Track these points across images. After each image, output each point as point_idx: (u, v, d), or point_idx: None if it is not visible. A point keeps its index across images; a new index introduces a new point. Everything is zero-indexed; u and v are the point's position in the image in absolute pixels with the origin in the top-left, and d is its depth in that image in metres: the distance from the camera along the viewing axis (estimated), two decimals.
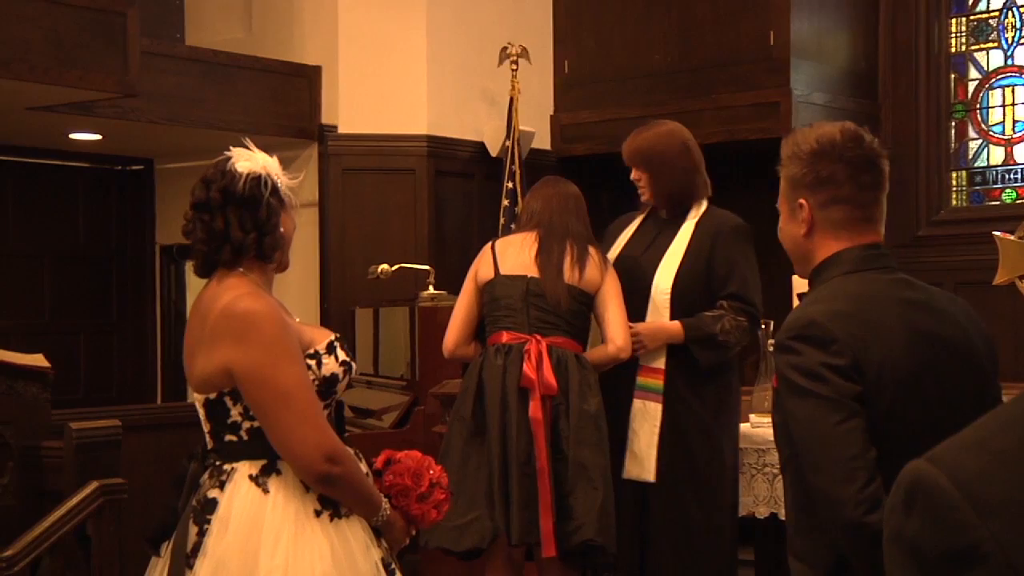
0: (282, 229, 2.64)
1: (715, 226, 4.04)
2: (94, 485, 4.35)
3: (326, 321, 6.87)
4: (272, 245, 2.63)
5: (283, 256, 2.69)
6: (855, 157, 2.23)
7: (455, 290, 4.36)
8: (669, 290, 4.00)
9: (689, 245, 4.02)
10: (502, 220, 6.64)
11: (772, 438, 4.09)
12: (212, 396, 2.59)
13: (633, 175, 4.13)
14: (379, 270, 5.98)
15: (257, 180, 2.60)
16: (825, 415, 2.06)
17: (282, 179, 2.65)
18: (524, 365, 3.88)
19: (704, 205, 4.12)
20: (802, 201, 2.25)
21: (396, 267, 6.01)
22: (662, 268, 4.02)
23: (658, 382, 4.00)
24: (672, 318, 4.00)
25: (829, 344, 2.08)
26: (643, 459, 3.98)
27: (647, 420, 3.99)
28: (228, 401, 2.57)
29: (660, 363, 4.00)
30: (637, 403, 4.00)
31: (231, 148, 2.65)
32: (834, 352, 2.07)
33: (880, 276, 2.21)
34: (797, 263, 2.32)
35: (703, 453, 3.99)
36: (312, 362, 2.61)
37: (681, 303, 4.00)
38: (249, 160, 2.62)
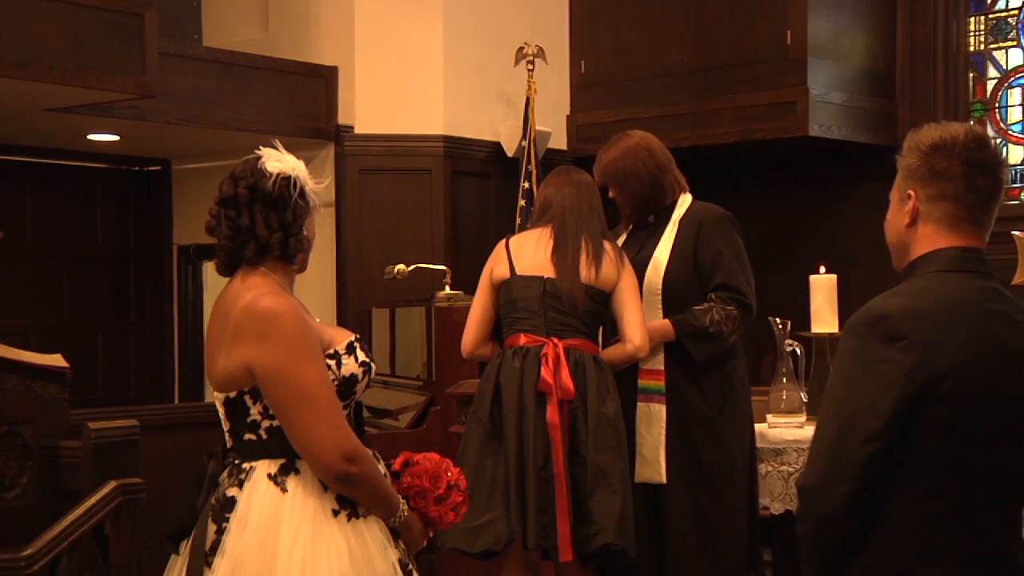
0: (306, 232, 2.65)
1: (697, 220, 4.08)
2: (112, 485, 4.36)
3: (343, 321, 6.88)
4: (296, 246, 2.63)
5: (304, 258, 2.70)
6: (973, 159, 2.19)
7: (471, 290, 4.35)
8: (660, 290, 4.04)
9: (674, 243, 4.07)
10: (518, 220, 6.65)
11: (788, 438, 4.15)
12: (232, 395, 2.59)
13: (610, 194, 4.18)
14: (396, 270, 5.99)
15: (287, 181, 2.60)
16: (864, 406, 2.07)
17: (309, 182, 2.65)
18: (541, 369, 3.88)
19: (687, 202, 4.14)
20: (911, 192, 2.23)
21: (412, 267, 6.01)
22: (650, 269, 4.06)
23: (659, 383, 4.03)
24: (666, 316, 4.04)
25: (896, 340, 2.08)
26: (652, 461, 4.01)
27: (652, 422, 4.02)
28: (248, 400, 2.58)
29: (659, 364, 4.03)
30: (641, 406, 4.03)
31: (260, 148, 2.66)
32: (900, 348, 2.07)
33: (972, 281, 2.18)
34: (895, 254, 2.30)
35: (708, 449, 4.00)
36: (332, 362, 2.61)
37: (675, 301, 4.03)
38: (279, 161, 2.63)
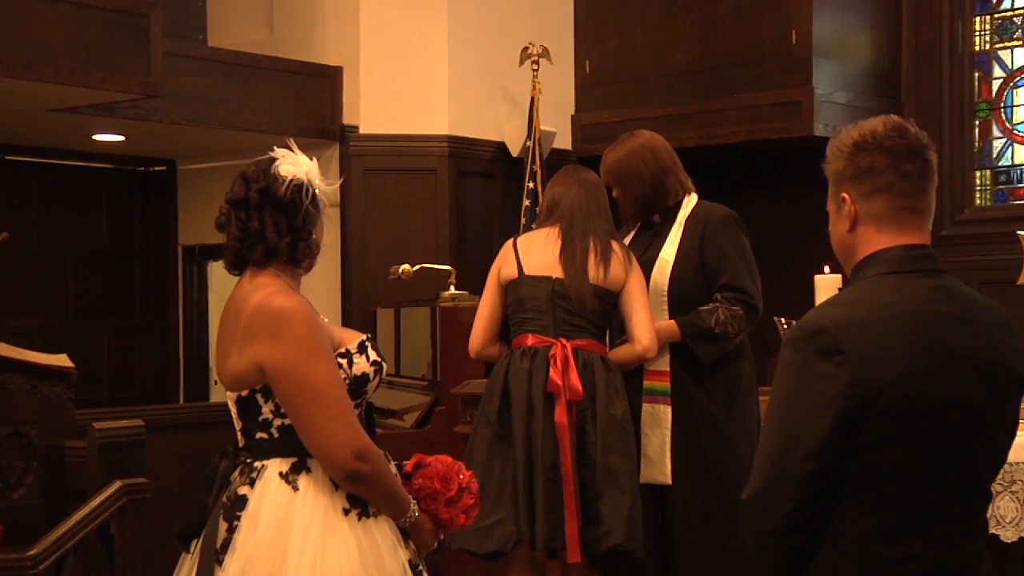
0: (315, 236, 2.65)
1: (702, 220, 4.06)
2: (117, 484, 4.37)
3: (348, 321, 6.89)
4: (305, 251, 2.64)
5: (311, 261, 2.70)
6: (896, 146, 2.16)
7: (476, 290, 4.36)
8: (665, 291, 4.03)
9: (680, 243, 4.05)
10: (523, 220, 6.65)
11: None
12: (244, 393, 2.59)
13: (614, 193, 4.17)
14: (400, 270, 6.00)
15: (299, 187, 2.60)
16: (802, 424, 2.03)
17: (321, 185, 2.65)
18: (550, 370, 3.87)
19: (692, 202, 4.13)
20: (845, 195, 2.18)
21: (417, 267, 6.02)
22: (656, 270, 4.05)
23: (664, 384, 4.02)
24: (671, 317, 4.03)
25: (832, 355, 2.02)
26: (657, 462, 4.01)
27: (657, 423, 4.01)
28: (260, 398, 2.58)
29: (664, 365, 4.02)
30: (646, 407, 4.03)
31: (276, 148, 2.65)
32: (836, 363, 2.01)
33: (916, 282, 2.12)
34: (844, 263, 2.24)
35: (715, 450, 3.99)
36: (343, 361, 2.62)
37: (680, 301, 4.02)
38: (293, 164, 2.62)
